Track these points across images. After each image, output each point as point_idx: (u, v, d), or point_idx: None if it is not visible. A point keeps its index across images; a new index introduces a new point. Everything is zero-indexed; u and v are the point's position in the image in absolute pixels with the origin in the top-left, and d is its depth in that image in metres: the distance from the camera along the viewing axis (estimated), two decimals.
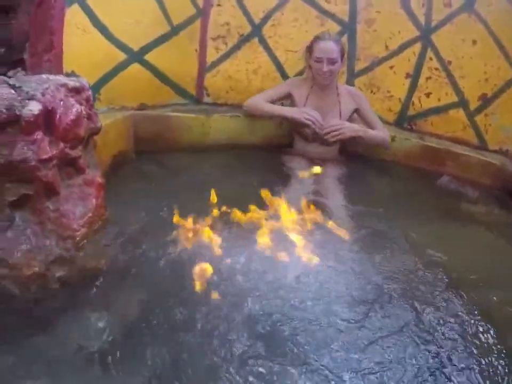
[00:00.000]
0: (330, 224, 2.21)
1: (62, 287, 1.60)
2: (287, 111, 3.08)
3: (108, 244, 1.77)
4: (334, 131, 2.97)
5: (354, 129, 3.03)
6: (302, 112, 2.98)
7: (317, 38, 2.98)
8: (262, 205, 2.17)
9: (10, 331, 1.44)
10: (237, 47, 3.43)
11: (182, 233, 1.93)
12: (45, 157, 1.58)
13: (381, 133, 3.15)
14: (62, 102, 1.67)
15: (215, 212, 2.05)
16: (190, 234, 1.93)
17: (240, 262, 1.82)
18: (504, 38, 3.25)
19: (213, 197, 2.10)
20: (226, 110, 3.35)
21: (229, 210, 2.08)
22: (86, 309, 1.55)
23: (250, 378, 1.37)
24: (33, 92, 1.60)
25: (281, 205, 2.23)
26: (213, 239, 1.92)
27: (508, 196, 2.96)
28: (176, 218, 2.00)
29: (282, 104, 3.24)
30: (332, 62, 2.91)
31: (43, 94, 1.61)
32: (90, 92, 1.84)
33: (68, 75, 2.47)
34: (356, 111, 3.17)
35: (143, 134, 2.92)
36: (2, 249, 1.55)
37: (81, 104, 1.75)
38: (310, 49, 3.00)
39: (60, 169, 1.66)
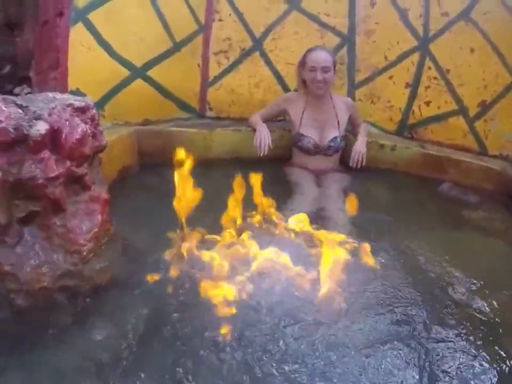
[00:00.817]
0: (333, 234, 2.24)
1: (69, 300, 1.64)
2: (257, 127, 3.09)
3: (114, 257, 1.80)
4: (358, 159, 3.07)
5: (363, 142, 3.17)
6: (257, 133, 3.03)
7: (308, 51, 3.04)
8: (265, 217, 2.20)
9: (19, 342, 1.49)
10: (238, 61, 3.49)
11: (187, 246, 1.95)
12: (52, 175, 1.63)
13: (364, 125, 3.35)
14: (67, 122, 1.71)
15: (219, 224, 2.08)
16: (195, 248, 1.95)
17: (245, 277, 1.83)
18: (501, 44, 3.30)
19: (217, 210, 2.12)
20: (229, 123, 3.39)
21: (233, 223, 2.10)
22: (92, 321, 1.59)
23: None
24: (40, 112, 1.65)
25: (285, 217, 2.27)
26: (217, 252, 1.94)
27: (509, 200, 2.98)
28: (180, 231, 2.04)
29: (284, 119, 3.29)
30: (325, 70, 2.96)
31: (50, 114, 1.66)
32: (95, 111, 1.88)
33: (72, 93, 2.52)
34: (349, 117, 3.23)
35: (147, 149, 2.97)
36: (12, 265, 1.59)
37: (86, 123, 1.79)
38: (302, 62, 3.05)
39: (66, 187, 1.70)
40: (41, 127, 1.61)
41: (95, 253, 1.74)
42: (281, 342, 1.59)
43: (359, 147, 3.12)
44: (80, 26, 2.68)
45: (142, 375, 1.42)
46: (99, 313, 1.63)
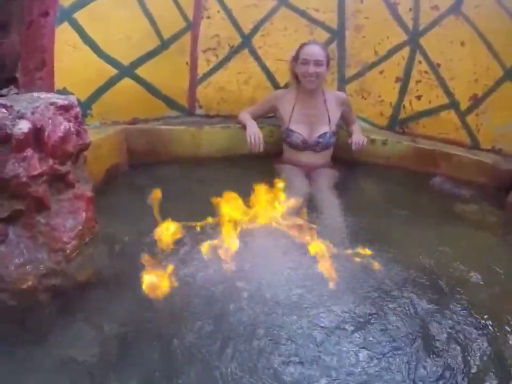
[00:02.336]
0: (325, 229, 2.24)
1: (54, 298, 1.63)
2: (247, 125, 3.05)
3: (98, 255, 1.79)
4: (358, 142, 3.04)
5: (360, 133, 3.18)
6: (249, 130, 2.99)
7: (302, 44, 3.02)
8: (256, 214, 2.19)
9: (4, 341, 1.48)
10: (227, 58, 3.46)
11: (173, 244, 1.96)
12: (35, 173, 1.62)
13: (358, 124, 3.36)
14: (50, 120, 1.71)
15: (208, 223, 2.07)
16: (181, 246, 1.96)
17: (232, 273, 1.84)
18: (492, 38, 3.29)
19: (206, 208, 2.11)
20: (219, 121, 3.37)
21: (222, 221, 2.10)
22: (77, 319, 1.59)
23: None
24: (24, 111, 1.65)
25: (275, 213, 2.26)
26: (205, 250, 1.94)
27: (501, 194, 2.95)
28: (167, 230, 2.03)
29: (274, 115, 3.27)
30: (318, 63, 2.93)
31: (32, 113, 1.66)
32: (79, 109, 1.88)
33: (59, 92, 2.51)
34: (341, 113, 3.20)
35: (136, 147, 2.95)
36: None
37: (69, 121, 1.79)
38: (295, 57, 3.03)
39: (50, 185, 1.70)
40: (23, 126, 1.61)
41: (79, 251, 1.75)
42: (271, 335, 1.59)
43: (358, 134, 3.13)
44: (65, 25, 2.66)
45: (127, 374, 1.42)
46: (83, 311, 1.62)
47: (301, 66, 2.97)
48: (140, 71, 3.07)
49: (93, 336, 1.53)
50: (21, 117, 1.63)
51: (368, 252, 2.12)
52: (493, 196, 2.98)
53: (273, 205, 2.30)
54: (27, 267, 1.62)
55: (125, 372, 1.42)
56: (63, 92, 2.58)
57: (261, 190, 2.32)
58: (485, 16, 3.30)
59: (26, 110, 1.65)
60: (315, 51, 2.95)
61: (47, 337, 1.52)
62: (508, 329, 1.71)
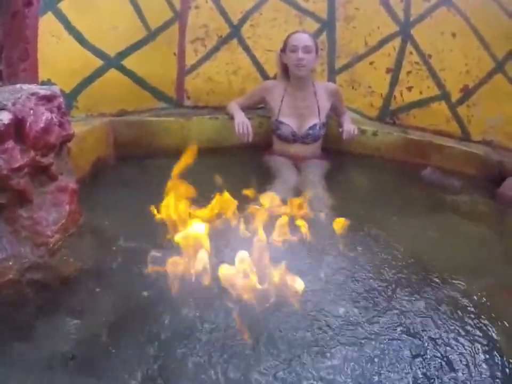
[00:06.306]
0: (314, 220, 2.22)
1: (37, 292, 1.60)
2: (235, 115, 3.04)
3: (83, 248, 1.77)
4: (349, 131, 3.03)
5: (351, 122, 3.17)
6: (237, 120, 2.97)
7: (290, 34, 3.00)
8: (245, 205, 2.17)
9: None
10: (216, 48, 3.42)
11: (160, 238, 1.92)
12: (16, 165, 1.59)
13: (348, 114, 3.33)
14: (32, 111, 1.68)
15: (196, 215, 2.04)
16: (168, 239, 1.92)
17: (221, 263, 1.77)
18: (483, 29, 3.29)
19: (194, 200, 2.09)
20: (207, 112, 3.33)
21: (210, 213, 2.06)
22: (61, 313, 1.55)
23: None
24: (5, 102, 1.62)
25: (264, 204, 2.24)
26: (192, 243, 1.90)
27: (492, 185, 2.97)
28: (154, 223, 2.00)
29: (263, 106, 3.24)
30: (307, 50, 2.90)
31: (14, 104, 1.63)
32: (62, 99, 1.85)
33: (43, 83, 2.48)
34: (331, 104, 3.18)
35: (123, 139, 2.92)
36: None
37: (52, 112, 1.76)
38: (283, 47, 3.01)
39: (32, 177, 1.68)
40: (4, 117, 1.58)
41: (63, 244, 1.73)
42: (257, 326, 1.57)
43: (349, 124, 3.11)
44: (49, 16, 2.62)
45: (112, 369, 1.39)
46: (67, 305, 1.59)
47: (290, 54, 2.94)
48: (126, 62, 3.03)
49: (77, 330, 1.50)
50: (2, 108, 1.60)
51: (356, 242, 2.12)
52: (484, 187, 2.99)
53: (261, 196, 2.28)
54: (9, 262, 1.60)
55: (111, 366, 1.40)
56: (48, 83, 2.54)
57: (249, 182, 2.31)
58: (477, 7, 3.29)
59: (8, 101, 1.62)
60: (303, 38, 2.94)
61: (30, 332, 1.49)
62: (502, 320, 1.70)
